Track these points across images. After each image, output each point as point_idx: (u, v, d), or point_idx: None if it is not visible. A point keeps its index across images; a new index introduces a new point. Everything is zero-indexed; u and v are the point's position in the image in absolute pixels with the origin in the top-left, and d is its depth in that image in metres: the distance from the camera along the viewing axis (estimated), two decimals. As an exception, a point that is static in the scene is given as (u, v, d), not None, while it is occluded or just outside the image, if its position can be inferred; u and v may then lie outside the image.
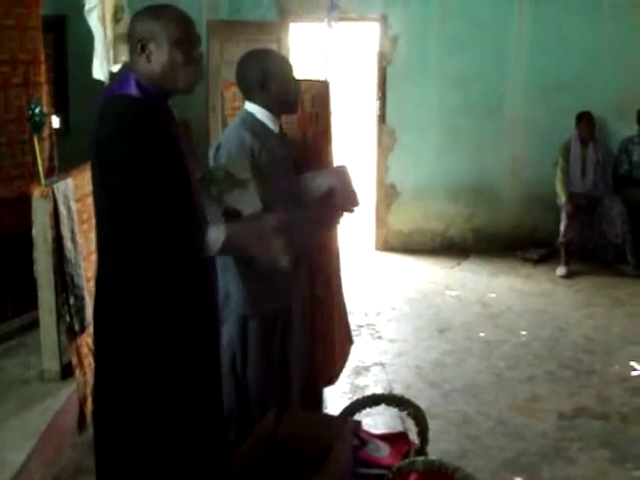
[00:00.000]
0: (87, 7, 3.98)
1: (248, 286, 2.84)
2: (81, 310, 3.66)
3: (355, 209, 3.06)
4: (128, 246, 2.08)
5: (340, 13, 6.53)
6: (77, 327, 3.64)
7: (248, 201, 2.48)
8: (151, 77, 2.14)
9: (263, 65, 2.87)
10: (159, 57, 2.13)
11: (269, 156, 2.79)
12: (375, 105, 7.04)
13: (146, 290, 2.11)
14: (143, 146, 2.03)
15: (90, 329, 3.69)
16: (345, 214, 3.09)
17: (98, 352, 2.24)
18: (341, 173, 3.06)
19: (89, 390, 3.63)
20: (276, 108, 2.91)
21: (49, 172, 4.15)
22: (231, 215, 2.43)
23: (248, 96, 2.93)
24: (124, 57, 4.13)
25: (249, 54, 2.93)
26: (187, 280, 2.16)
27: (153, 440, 2.16)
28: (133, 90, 2.11)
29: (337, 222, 3.15)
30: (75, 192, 3.71)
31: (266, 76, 2.86)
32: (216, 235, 2.11)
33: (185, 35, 2.14)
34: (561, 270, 6.34)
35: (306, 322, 3.17)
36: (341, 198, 3.00)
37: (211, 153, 2.87)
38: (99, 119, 2.09)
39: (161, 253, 2.08)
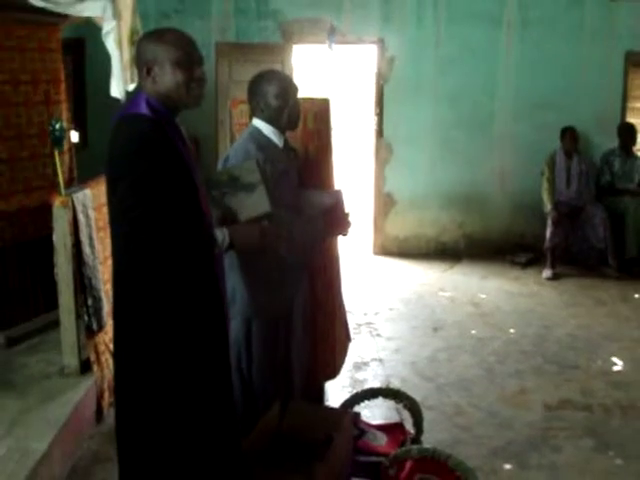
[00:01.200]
0: (104, 31, 3.99)
1: (253, 293, 2.85)
2: (98, 310, 3.67)
3: (347, 232, 3.08)
4: (141, 252, 2.08)
5: (340, 36, 6.60)
6: (95, 326, 3.64)
7: (255, 204, 2.43)
8: (159, 96, 2.16)
9: (270, 85, 2.89)
10: (163, 78, 2.14)
11: (272, 168, 2.80)
12: (373, 121, 7.05)
13: (158, 290, 2.12)
14: (153, 161, 2.05)
15: (107, 328, 3.70)
16: (338, 234, 3.13)
17: (117, 348, 2.25)
18: (337, 197, 3.08)
19: (106, 384, 3.64)
20: (280, 124, 2.93)
21: (69, 183, 4.18)
22: (224, 220, 2.41)
23: (255, 112, 2.95)
24: (139, 77, 4.14)
25: (259, 74, 2.96)
26: (196, 279, 2.17)
27: (170, 428, 2.17)
28: (143, 109, 2.13)
29: (331, 238, 3.19)
30: (93, 201, 3.72)
31: (271, 95, 2.88)
32: (221, 238, 2.22)
33: (186, 55, 2.15)
34: (547, 273, 6.33)
35: (307, 322, 3.16)
36: (334, 219, 3.02)
37: (220, 164, 2.90)
38: (112, 136, 2.12)
39: (171, 257, 2.10)
